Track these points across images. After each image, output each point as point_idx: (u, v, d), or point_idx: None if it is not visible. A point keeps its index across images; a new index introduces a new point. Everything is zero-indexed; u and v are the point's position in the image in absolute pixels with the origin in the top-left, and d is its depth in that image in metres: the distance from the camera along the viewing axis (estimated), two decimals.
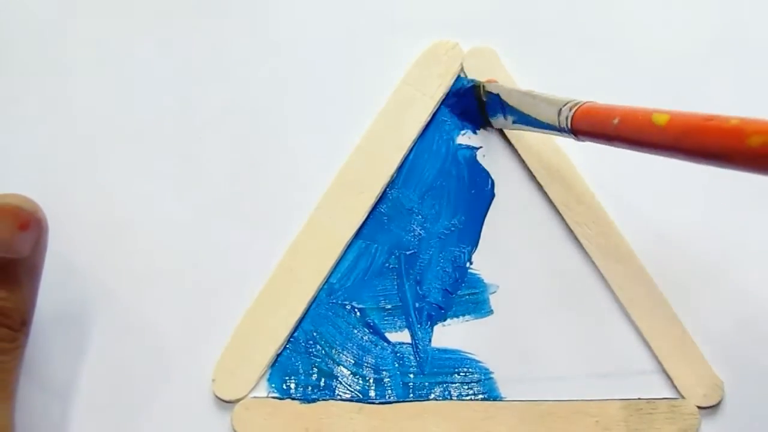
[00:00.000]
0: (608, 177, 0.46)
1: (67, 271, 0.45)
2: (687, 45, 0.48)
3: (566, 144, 0.46)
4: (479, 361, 0.44)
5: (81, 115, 0.47)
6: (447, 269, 0.46)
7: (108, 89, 0.47)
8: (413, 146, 0.47)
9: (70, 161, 0.46)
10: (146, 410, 0.43)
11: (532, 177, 0.46)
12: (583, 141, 0.38)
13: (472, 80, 0.46)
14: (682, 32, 0.48)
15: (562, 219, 0.46)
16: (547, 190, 0.46)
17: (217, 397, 0.43)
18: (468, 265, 0.46)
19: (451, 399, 0.44)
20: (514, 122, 0.44)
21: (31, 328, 0.40)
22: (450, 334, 0.45)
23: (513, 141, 0.46)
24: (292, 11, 0.48)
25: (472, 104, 0.47)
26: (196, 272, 0.45)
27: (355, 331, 0.45)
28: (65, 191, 0.46)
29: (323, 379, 0.44)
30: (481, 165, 0.47)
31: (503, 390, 0.44)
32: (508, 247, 0.46)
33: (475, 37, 0.48)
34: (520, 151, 0.46)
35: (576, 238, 0.46)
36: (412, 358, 0.44)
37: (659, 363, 0.44)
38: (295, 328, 0.44)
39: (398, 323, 0.45)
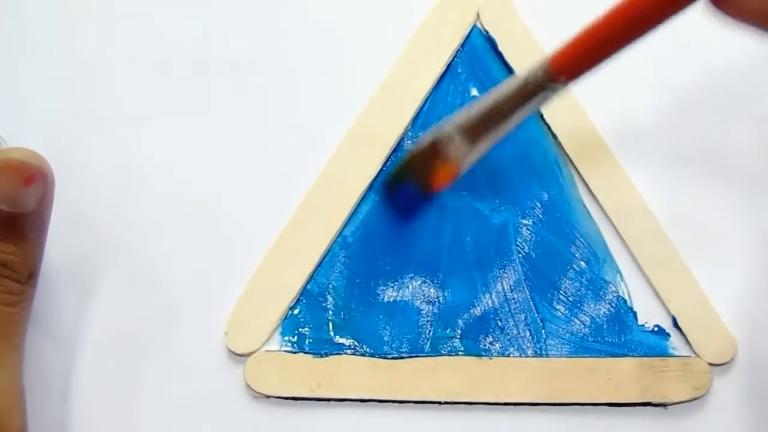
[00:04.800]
0: (625, 133, 0.43)
1: (77, 222, 0.42)
2: None
3: (585, 100, 0.43)
4: (492, 317, 0.41)
5: (94, 66, 0.44)
6: None
7: (121, 39, 0.44)
8: (428, 97, 0.43)
9: (82, 112, 0.43)
10: (158, 363, 0.41)
11: (548, 127, 0.43)
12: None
13: None
14: None
15: (579, 173, 0.42)
16: (564, 146, 0.42)
17: (229, 350, 0.40)
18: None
19: (464, 355, 0.40)
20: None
21: (40, 280, 0.38)
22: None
23: None
24: None
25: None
26: (208, 225, 0.42)
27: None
28: (77, 142, 0.43)
29: (336, 333, 0.41)
30: None
31: (515, 347, 0.41)
32: (521, 199, 0.42)
33: None
34: None
35: (592, 194, 0.42)
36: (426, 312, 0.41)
37: (673, 320, 0.41)
38: (308, 282, 0.41)
39: None
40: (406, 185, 0.40)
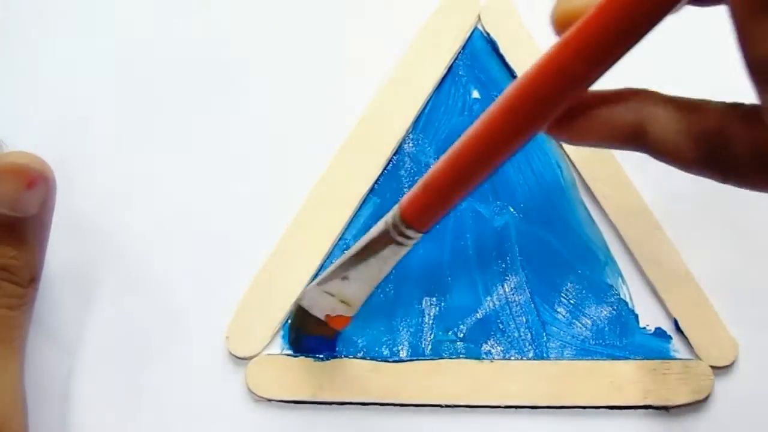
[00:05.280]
0: None
1: (79, 226, 0.42)
2: None
3: None
4: (493, 320, 0.41)
5: (96, 70, 0.44)
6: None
7: (123, 43, 0.44)
8: (429, 100, 0.43)
9: (84, 116, 0.43)
10: (158, 367, 0.40)
11: None
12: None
13: None
14: None
15: (580, 176, 0.42)
16: (565, 148, 0.42)
17: (231, 354, 0.40)
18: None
19: (465, 357, 0.40)
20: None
21: (42, 284, 0.38)
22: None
23: None
24: None
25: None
26: (209, 228, 0.42)
27: None
28: (79, 146, 0.43)
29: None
30: None
31: (516, 349, 0.40)
32: (523, 201, 0.42)
33: None
34: None
35: (593, 196, 0.42)
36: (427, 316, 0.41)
37: (674, 323, 0.41)
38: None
39: None
40: (308, 338, 0.40)
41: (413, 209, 0.32)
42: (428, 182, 0.32)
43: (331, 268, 0.37)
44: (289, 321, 0.40)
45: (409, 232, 0.33)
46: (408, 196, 0.33)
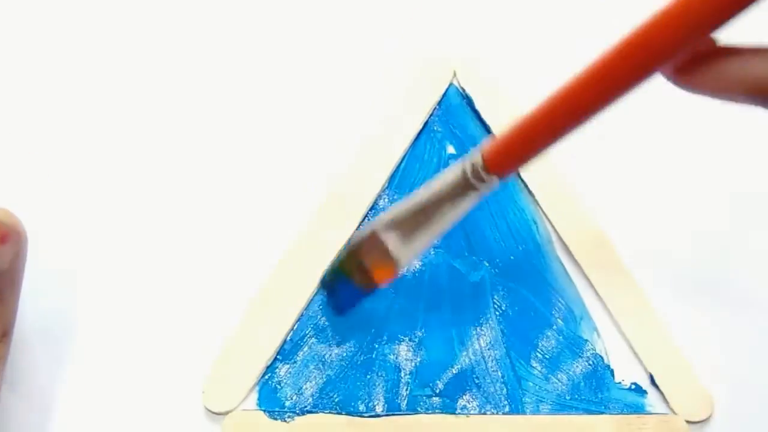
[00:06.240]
0: (599, 188, 0.43)
1: (51, 280, 0.41)
2: None
3: (557, 156, 0.42)
4: (470, 375, 0.41)
5: (61, 124, 0.44)
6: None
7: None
8: (405, 155, 0.43)
9: (52, 168, 0.43)
10: (134, 421, 0.40)
11: (525, 185, 0.43)
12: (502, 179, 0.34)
13: None
14: None
15: (556, 231, 0.43)
16: (538, 200, 0.43)
17: (206, 408, 0.40)
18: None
19: (441, 413, 0.40)
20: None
21: (14, 338, 0.37)
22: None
23: None
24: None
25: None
26: (185, 284, 0.42)
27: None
28: (49, 200, 0.43)
29: (313, 392, 0.40)
30: None
31: (492, 404, 0.40)
32: (498, 256, 0.42)
33: (466, 43, 0.45)
34: None
35: (569, 251, 0.42)
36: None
37: (650, 377, 0.41)
38: (285, 340, 0.41)
39: None
40: (345, 283, 0.39)
41: (498, 154, 0.33)
42: (521, 129, 0.32)
43: (402, 206, 0.36)
44: (333, 263, 0.39)
45: (489, 178, 0.33)
46: (492, 142, 0.33)
